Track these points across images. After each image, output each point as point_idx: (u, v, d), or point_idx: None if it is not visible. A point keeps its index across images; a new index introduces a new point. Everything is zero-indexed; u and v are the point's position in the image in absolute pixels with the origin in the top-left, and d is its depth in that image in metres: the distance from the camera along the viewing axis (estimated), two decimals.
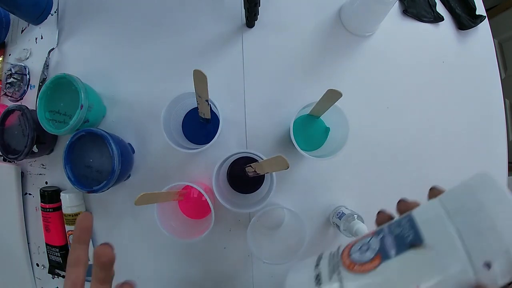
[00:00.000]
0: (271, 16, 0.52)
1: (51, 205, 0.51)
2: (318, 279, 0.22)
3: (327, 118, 0.49)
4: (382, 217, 0.25)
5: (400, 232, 0.20)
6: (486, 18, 0.57)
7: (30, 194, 0.55)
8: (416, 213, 0.21)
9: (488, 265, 0.17)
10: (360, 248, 0.22)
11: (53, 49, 0.55)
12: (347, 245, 0.23)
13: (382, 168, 0.52)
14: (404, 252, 0.19)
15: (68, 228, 0.51)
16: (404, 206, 0.24)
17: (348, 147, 0.42)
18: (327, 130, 0.49)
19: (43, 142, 0.51)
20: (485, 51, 0.58)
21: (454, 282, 0.18)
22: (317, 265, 0.23)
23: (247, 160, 0.47)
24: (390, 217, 0.25)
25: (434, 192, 0.24)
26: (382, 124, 0.53)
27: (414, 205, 0.23)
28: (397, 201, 0.25)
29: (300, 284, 0.22)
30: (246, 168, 0.42)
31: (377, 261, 0.20)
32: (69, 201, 0.50)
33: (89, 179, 0.46)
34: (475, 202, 0.19)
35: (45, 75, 0.55)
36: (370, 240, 0.22)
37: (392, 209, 0.25)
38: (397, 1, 0.51)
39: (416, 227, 0.20)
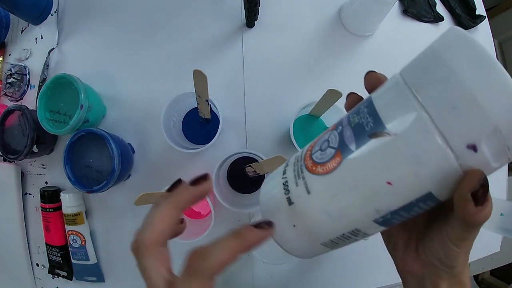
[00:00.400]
0: (271, 16, 0.52)
1: (51, 205, 0.51)
2: (285, 186, 0.20)
3: (327, 118, 0.49)
4: (352, 101, 0.21)
5: (359, 121, 0.17)
6: (486, 18, 0.57)
7: (30, 194, 0.55)
8: (375, 95, 0.17)
9: (473, 148, 0.14)
10: (320, 146, 0.19)
11: (53, 49, 0.55)
12: (310, 145, 0.20)
13: None
14: (365, 144, 0.16)
15: (68, 228, 0.51)
16: (375, 79, 0.19)
17: None
18: None
19: (43, 142, 0.51)
20: None
21: (434, 172, 0.15)
22: (284, 172, 0.21)
23: (247, 160, 0.47)
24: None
25: (371, 77, 0.20)
26: None
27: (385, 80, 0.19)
28: (365, 74, 0.20)
29: (272, 193, 0.21)
30: (246, 168, 0.42)
31: (338, 158, 0.17)
32: (69, 201, 0.50)
33: (89, 179, 0.46)
34: (443, 69, 0.14)
35: (45, 75, 0.55)
36: (329, 135, 0.19)
37: None
38: (397, 1, 0.51)
39: (376, 111, 0.16)
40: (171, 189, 0.21)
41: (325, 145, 0.18)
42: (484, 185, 0.14)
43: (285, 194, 0.19)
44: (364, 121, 0.16)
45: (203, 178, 0.21)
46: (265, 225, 0.19)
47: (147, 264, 0.18)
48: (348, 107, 0.21)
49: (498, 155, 0.14)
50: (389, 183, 0.15)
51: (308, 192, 0.18)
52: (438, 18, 0.56)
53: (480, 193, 0.14)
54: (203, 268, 0.17)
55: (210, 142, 0.42)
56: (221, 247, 0.17)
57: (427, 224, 0.21)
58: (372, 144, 0.16)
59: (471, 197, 0.15)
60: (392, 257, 0.23)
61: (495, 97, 0.13)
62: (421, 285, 0.20)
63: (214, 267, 0.17)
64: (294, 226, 0.19)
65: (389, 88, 0.17)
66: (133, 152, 0.51)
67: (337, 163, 0.17)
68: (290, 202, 0.19)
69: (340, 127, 0.18)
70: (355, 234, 0.18)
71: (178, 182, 0.21)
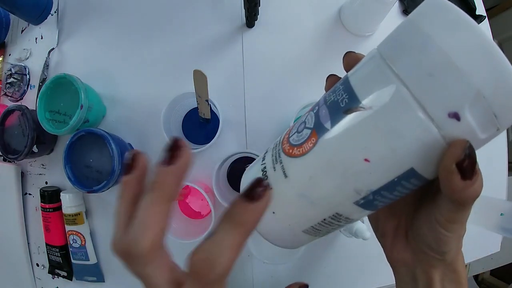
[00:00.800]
0: (271, 16, 0.52)
1: (51, 205, 0.51)
2: (264, 172, 0.19)
3: None
4: (332, 83, 0.20)
5: (334, 99, 0.16)
6: (486, 18, 0.57)
7: (30, 194, 0.55)
8: (351, 72, 0.17)
9: (455, 116, 0.13)
10: (297, 128, 0.18)
11: (53, 49, 0.55)
12: (288, 129, 0.20)
13: None
14: (340, 121, 0.15)
15: (68, 228, 0.51)
16: (354, 59, 0.19)
17: None
18: None
19: (43, 142, 0.51)
20: None
21: (414, 145, 0.14)
22: (263, 158, 0.20)
23: (247, 160, 0.47)
24: None
25: (350, 57, 0.19)
26: None
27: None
28: (343, 55, 0.20)
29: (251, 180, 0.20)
30: (246, 168, 0.42)
31: (313, 138, 0.16)
32: (69, 201, 0.50)
33: (89, 179, 0.46)
34: (418, 36, 0.13)
35: (45, 75, 0.55)
36: (306, 117, 0.18)
37: None
38: (397, 1, 0.51)
39: (351, 87, 0.16)
40: (129, 169, 0.17)
41: (302, 126, 0.18)
42: (471, 155, 0.13)
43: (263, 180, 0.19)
44: (339, 98, 0.16)
45: (176, 147, 0.16)
46: (260, 190, 0.14)
47: (151, 273, 0.16)
48: (327, 89, 0.20)
49: (485, 124, 0.13)
50: (366, 160, 0.15)
51: (285, 176, 0.17)
52: None
53: (467, 164, 0.13)
54: (215, 277, 0.14)
55: (210, 142, 0.42)
56: (225, 244, 0.15)
57: (416, 209, 0.19)
58: (347, 120, 0.15)
59: (457, 169, 0.13)
60: (381, 245, 0.22)
61: (474, 59, 0.12)
62: (412, 274, 0.19)
63: (225, 271, 0.14)
64: (274, 213, 0.18)
65: (364, 63, 0.16)
66: None
67: (313, 143, 0.16)
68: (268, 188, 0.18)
69: (317, 107, 0.18)
70: (337, 219, 0.17)
71: (136, 156, 0.16)
